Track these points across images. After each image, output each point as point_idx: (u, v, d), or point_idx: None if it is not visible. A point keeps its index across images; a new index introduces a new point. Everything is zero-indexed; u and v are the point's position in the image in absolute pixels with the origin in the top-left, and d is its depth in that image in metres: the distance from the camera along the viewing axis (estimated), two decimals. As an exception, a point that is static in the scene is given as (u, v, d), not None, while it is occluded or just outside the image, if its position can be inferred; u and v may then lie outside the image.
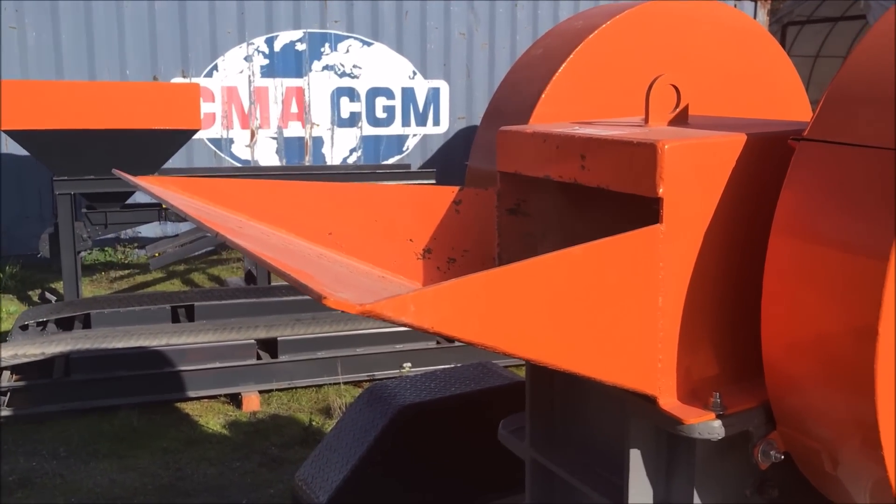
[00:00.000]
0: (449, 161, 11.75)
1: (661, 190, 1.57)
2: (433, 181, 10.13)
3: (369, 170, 10.03)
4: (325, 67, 11.45)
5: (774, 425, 1.65)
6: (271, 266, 1.22)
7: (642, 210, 2.16)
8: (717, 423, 1.61)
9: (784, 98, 2.49)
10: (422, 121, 12.03)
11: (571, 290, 1.44)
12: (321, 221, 2.03)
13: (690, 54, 2.27)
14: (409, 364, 6.59)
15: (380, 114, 11.83)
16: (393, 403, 3.40)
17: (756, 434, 1.66)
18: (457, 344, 6.83)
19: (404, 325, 1.12)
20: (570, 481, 1.98)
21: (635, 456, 1.77)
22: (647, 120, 1.87)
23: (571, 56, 2.19)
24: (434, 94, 11.99)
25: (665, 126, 1.87)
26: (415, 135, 12.04)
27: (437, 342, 6.83)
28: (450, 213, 2.07)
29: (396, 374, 6.57)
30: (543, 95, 2.18)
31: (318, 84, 11.43)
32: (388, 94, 11.80)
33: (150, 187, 1.81)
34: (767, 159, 1.67)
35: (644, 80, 2.23)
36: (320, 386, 6.54)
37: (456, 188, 2.07)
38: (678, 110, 1.90)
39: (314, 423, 5.92)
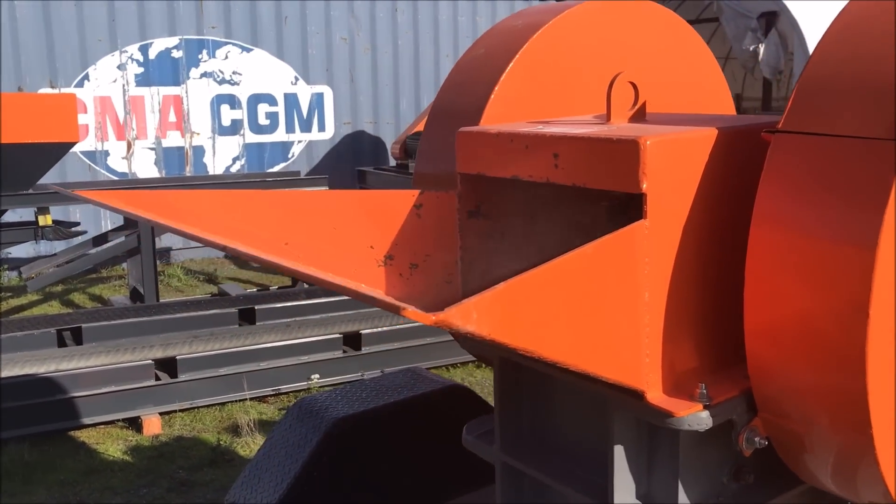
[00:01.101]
0: (338, 167, 11.62)
1: (644, 185, 1.57)
2: (325, 188, 10.00)
3: (259, 178, 9.79)
4: (204, 74, 11.10)
5: (756, 413, 1.69)
6: (331, 285, 1.17)
7: (612, 206, 2.19)
8: (705, 414, 1.64)
9: (711, 94, 2.56)
10: (306, 127, 11.85)
11: (580, 290, 1.42)
12: (276, 231, 1.94)
13: (630, 52, 2.30)
14: (317, 375, 6.46)
15: (262, 121, 11.57)
16: (325, 417, 3.29)
17: (739, 422, 1.69)
18: (364, 352, 6.75)
19: (467, 334, 1.07)
20: (546, 483, 1.97)
21: (619, 452, 1.77)
22: (609, 117, 1.88)
23: (518, 55, 2.18)
24: (318, 100, 11.82)
25: (628, 123, 1.89)
26: (300, 141, 11.84)
27: (344, 351, 6.73)
28: (410, 217, 2.02)
29: (304, 387, 6.42)
30: (493, 96, 2.16)
31: (197, 92, 11.07)
32: (271, 100, 11.55)
33: (118, 203, 1.68)
34: (739, 152, 1.70)
35: (588, 78, 2.25)
36: (224, 403, 6.31)
37: (416, 192, 2.02)
38: (637, 107, 1.92)
39: (222, 443, 5.71)
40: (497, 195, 2.02)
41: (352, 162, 11.70)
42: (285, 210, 1.97)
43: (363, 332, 6.74)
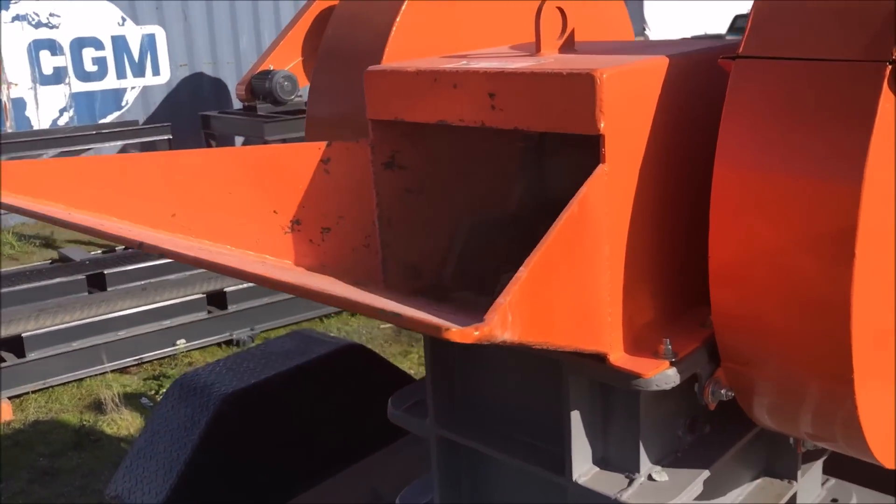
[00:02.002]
0: (178, 113, 10.87)
1: (601, 125, 1.39)
2: (168, 136, 9.34)
3: (93, 130, 9.00)
4: (17, 18, 10.01)
5: (717, 363, 1.58)
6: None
7: (527, 147, 2.00)
8: (672, 371, 1.50)
9: (609, 21, 2.40)
10: (139, 71, 10.99)
11: (570, 261, 1.23)
12: (159, 202, 1.64)
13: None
14: (182, 340, 6.05)
15: (89, 67, 10.62)
16: (212, 393, 2.99)
17: (703, 374, 1.58)
18: (230, 311, 6.37)
19: (507, 344, 0.85)
20: (490, 455, 1.80)
21: (575, 417, 1.63)
22: (538, 48, 1.68)
23: (419, -21, 1.92)
24: (149, 41, 10.96)
25: (558, 53, 1.69)
26: (133, 87, 10.98)
27: (209, 311, 6.33)
28: (318, 174, 1.76)
29: (171, 353, 6.01)
30: (395, 27, 1.90)
31: (11, 37, 9.99)
32: (97, 44, 10.60)
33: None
34: (694, 82, 1.55)
35: (497, 5, 2.03)
36: (82, 379, 5.82)
37: (322, 144, 1.76)
38: (566, 35, 1.72)
39: (85, 423, 5.26)
40: (415, 143, 1.79)
41: (192, 107, 10.97)
42: (170, 175, 1.66)
43: (227, 289, 6.36)
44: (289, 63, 9.15)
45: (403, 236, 1.84)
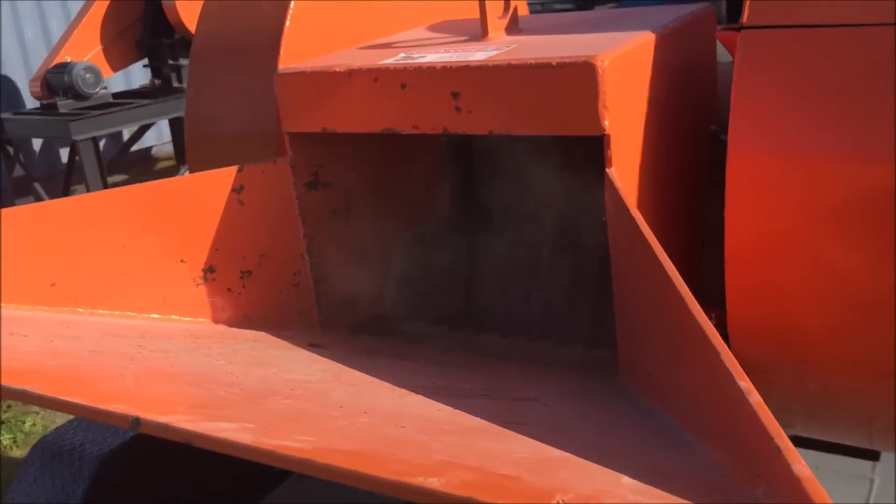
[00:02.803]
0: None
1: (606, 123, 1.15)
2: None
3: None
4: None
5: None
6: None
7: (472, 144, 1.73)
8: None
9: None
10: None
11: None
12: (32, 269, 1.25)
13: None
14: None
15: None
16: (85, 457, 2.56)
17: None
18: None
19: None
20: None
21: None
22: (485, 31, 1.41)
23: (311, -41, 1.60)
24: (-85, 41, 9.60)
25: (511, 36, 1.43)
26: None
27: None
28: (231, 207, 1.41)
29: None
30: (289, 21, 1.57)
31: None
32: None
33: None
34: (674, 56, 1.35)
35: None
36: None
37: (232, 170, 1.41)
38: (510, 13, 1.46)
39: None
40: (339, 154, 1.49)
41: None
42: (36, 234, 1.27)
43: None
44: (87, 53, 8.27)
45: (336, 266, 1.54)
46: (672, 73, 1.34)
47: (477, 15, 1.40)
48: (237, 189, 1.41)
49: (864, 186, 1.16)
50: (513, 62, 1.18)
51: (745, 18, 1.22)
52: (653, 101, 1.28)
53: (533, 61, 1.16)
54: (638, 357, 1.16)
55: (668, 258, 0.98)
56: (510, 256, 1.79)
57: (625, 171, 1.20)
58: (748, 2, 1.22)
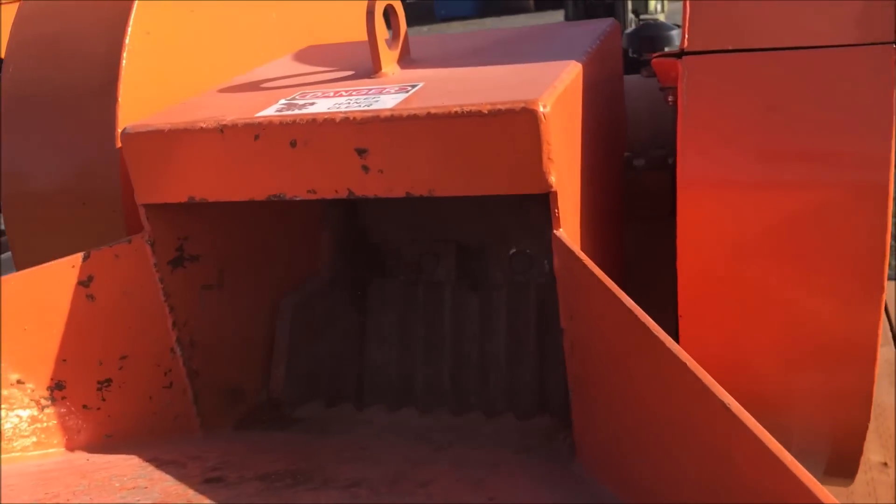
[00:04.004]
0: None
1: (552, 178, 0.96)
2: None
3: None
4: None
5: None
6: None
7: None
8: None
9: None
10: None
11: None
12: None
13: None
14: None
15: None
16: None
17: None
18: None
19: None
20: None
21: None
22: (377, 65, 1.19)
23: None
24: None
25: (403, 70, 1.21)
26: None
27: None
28: (78, 304, 1.12)
29: None
30: (125, 61, 1.28)
31: None
32: None
33: None
34: (596, 84, 1.18)
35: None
36: None
37: (76, 259, 1.11)
38: (401, 42, 1.25)
39: None
40: (206, 221, 1.22)
41: None
42: None
43: None
44: None
45: (214, 354, 1.27)
46: (596, 103, 1.18)
47: (341, 32, 1.18)
48: (84, 282, 1.11)
49: (816, 214, 1.04)
50: (432, 111, 0.97)
51: (685, 44, 1.07)
52: (585, 140, 1.11)
53: (458, 109, 0.96)
54: (612, 442, 0.99)
55: (666, 335, 0.81)
56: (405, 305, 1.58)
57: (569, 224, 1.02)
58: (688, 25, 1.07)
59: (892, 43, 0.98)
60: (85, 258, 1.11)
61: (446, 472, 1.11)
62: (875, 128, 0.99)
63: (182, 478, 1.02)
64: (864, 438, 1.17)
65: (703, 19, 1.07)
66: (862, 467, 1.26)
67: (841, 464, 1.25)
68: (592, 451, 1.06)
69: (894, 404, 2.28)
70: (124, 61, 1.28)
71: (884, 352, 2.22)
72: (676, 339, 1.13)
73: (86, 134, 1.31)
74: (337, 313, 1.54)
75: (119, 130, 1.21)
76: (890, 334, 2.54)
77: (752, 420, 0.65)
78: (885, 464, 2.13)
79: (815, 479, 0.59)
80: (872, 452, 2.19)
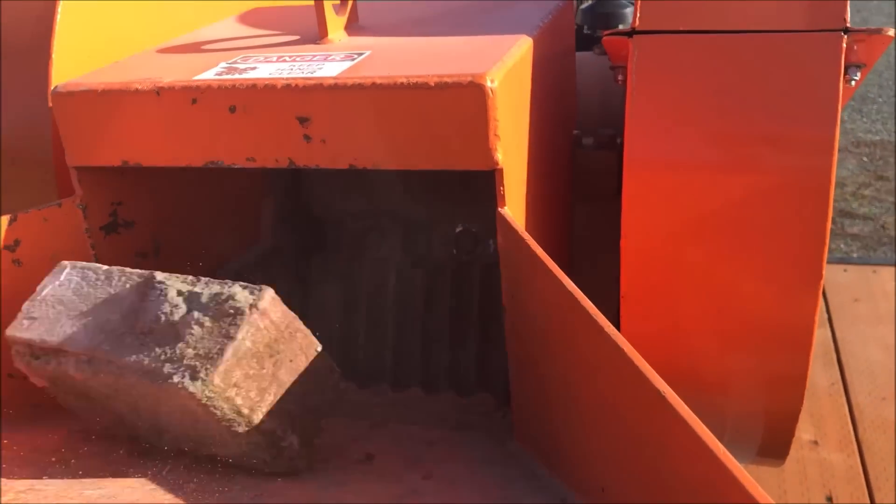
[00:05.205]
0: None
1: (499, 155, 0.94)
2: None
3: None
4: None
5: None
6: None
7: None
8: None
9: None
10: None
11: None
12: None
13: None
14: None
15: None
16: None
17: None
18: None
19: None
20: None
21: None
22: (323, 32, 1.15)
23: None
24: None
25: (357, 38, 1.18)
26: None
27: None
28: (4, 270, 1.07)
29: None
30: (59, 15, 1.22)
31: None
32: None
33: None
34: (547, 61, 1.16)
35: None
36: None
37: (3, 220, 1.06)
38: (349, 9, 1.21)
39: None
40: (141, 186, 1.18)
41: None
42: None
43: None
44: None
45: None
46: (546, 80, 1.16)
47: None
48: (10, 246, 1.07)
49: (760, 198, 1.04)
50: (378, 81, 0.94)
51: (636, 23, 1.05)
52: (534, 117, 1.09)
53: (404, 80, 0.93)
54: (549, 424, 0.98)
55: (605, 320, 0.80)
56: (348, 279, 1.56)
57: (514, 202, 1.01)
58: (639, 4, 1.06)
59: (840, 30, 0.98)
60: (11, 221, 1.06)
61: (384, 447, 1.10)
62: (821, 115, 0.99)
63: (110, 450, 0.99)
64: (796, 421, 1.19)
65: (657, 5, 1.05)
66: (793, 445, 1.28)
67: (774, 445, 1.26)
68: (529, 431, 1.05)
69: (825, 384, 2.34)
70: (59, 15, 1.22)
71: (818, 333, 2.26)
72: (618, 319, 1.13)
73: (17, 90, 1.26)
74: (278, 285, 1.51)
75: (51, 88, 1.15)
76: (826, 316, 2.60)
77: (688, 411, 0.65)
78: (816, 442, 2.18)
79: (749, 477, 0.59)
80: (803, 431, 2.24)
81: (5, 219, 1.06)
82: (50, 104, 1.17)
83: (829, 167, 1.00)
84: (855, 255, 3.49)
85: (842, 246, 3.54)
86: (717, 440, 0.60)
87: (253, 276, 1.46)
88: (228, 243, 1.44)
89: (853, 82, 1.01)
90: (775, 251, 1.05)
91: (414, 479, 1.01)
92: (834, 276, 2.79)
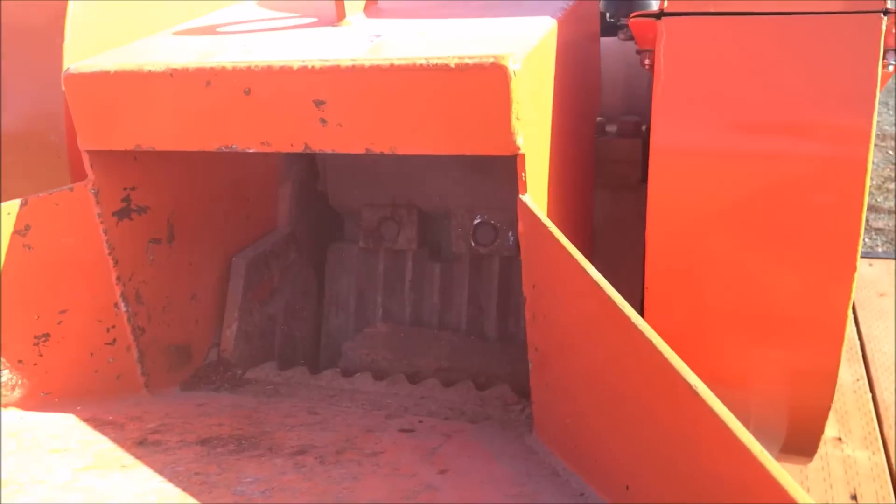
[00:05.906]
0: None
1: (520, 140, 0.91)
2: None
3: None
4: None
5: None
6: None
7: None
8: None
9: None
10: None
11: None
12: None
13: None
14: None
15: None
16: None
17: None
18: None
19: None
20: None
21: None
22: (341, 14, 1.12)
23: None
24: None
25: (376, 20, 1.15)
26: None
27: None
28: (14, 254, 1.05)
29: None
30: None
31: None
32: None
33: None
34: (572, 45, 1.13)
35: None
36: None
37: (13, 205, 1.04)
38: (368, -12, 1.18)
39: None
40: (155, 172, 1.16)
41: None
42: None
43: None
44: None
45: (161, 310, 1.22)
46: (569, 64, 1.12)
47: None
48: (21, 231, 1.05)
49: (792, 188, 1.01)
50: (396, 62, 0.91)
51: (665, 4, 1.02)
52: (556, 102, 1.06)
53: (423, 61, 0.90)
54: (571, 417, 0.95)
55: (632, 310, 0.77)
56: (366, 268, 1.54)
57: (536, 189, 0.98)
58: (668, -14, 1.02)
59: (880, 12, 0.94)
60: (22, 205, 1.04)
61: (397, 440, 1.07)
62: (857, 101, 0.95)
63: (118, 440, 0.97)
64: (826, 418, 1.15)
65: (687, -20, 1.02)
66: (816, 442, 1.25)
67: (801, 442, 1.23)
68: (550, 424, 1.02)
69: (850, 380, 2.30)
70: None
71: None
72: (641, 310, 1.10)
73: (29, 73, 1.24)
74: (294, 273, 1.49)
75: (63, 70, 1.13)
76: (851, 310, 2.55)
77: (721, 405, 0.62)
78: (840, 439, 2.14)
79: (788, 477, 0.56)
80: (828, 427, 2.20)
81: (16, 203, 1.04)
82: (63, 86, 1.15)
83: (865, 156, 0.96)
84: (880, 249, 3.43)
85: (866, 240, 3.48)
86: (752, 437, 0.57)
87: (271, 265, 1.44)
88: (245, 229, 1.41)
89: (891, 67, 0.97)
90: (807, 242, 1.02)
91: (429, 473, 0.98)
92: (859, 271, 2.74)
